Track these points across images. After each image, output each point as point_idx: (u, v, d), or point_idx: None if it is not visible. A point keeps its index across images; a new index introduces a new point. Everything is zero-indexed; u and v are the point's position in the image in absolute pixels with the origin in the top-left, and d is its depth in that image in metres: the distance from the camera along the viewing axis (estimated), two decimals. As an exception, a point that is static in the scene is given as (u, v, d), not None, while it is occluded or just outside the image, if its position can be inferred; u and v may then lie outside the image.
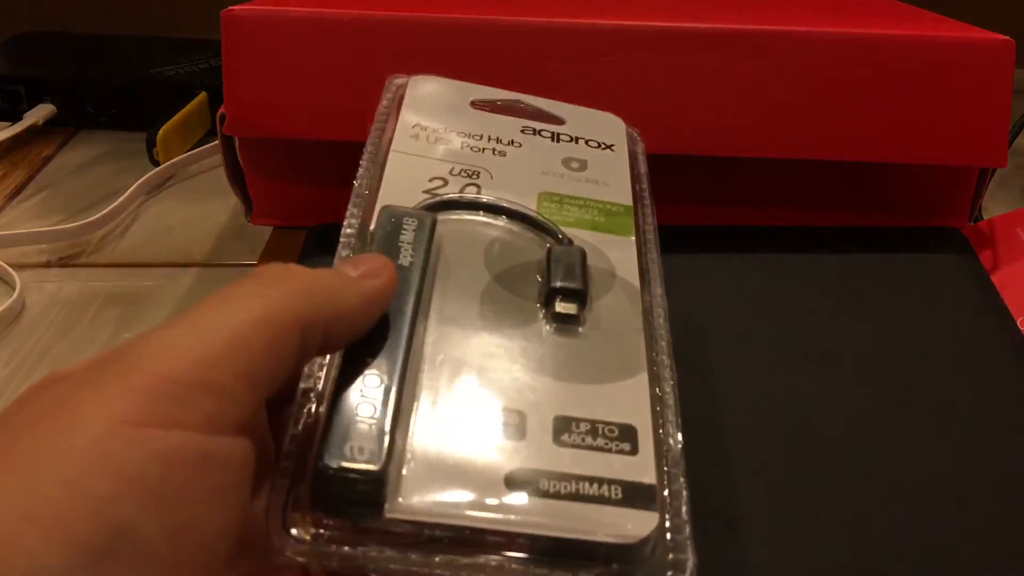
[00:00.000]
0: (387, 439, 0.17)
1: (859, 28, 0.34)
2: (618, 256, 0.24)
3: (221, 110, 0.35)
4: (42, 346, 0.35)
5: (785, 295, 0.32)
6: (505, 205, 0.24)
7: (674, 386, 0.21)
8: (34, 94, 0.53)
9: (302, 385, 0.19)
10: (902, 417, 0.27)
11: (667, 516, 0.18)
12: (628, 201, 0.25)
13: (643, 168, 0.28)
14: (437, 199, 0.23)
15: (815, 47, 0.34)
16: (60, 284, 0.39)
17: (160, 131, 0.48)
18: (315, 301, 0.17)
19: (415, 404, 0.18)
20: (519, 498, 0.17)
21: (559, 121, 0.28)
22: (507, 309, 0.21)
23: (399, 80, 0.28)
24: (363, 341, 0.18)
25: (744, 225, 0.37)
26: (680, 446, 0.20)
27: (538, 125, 0.28)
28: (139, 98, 0.53)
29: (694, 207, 0.38)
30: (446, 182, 0.24)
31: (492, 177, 0.25)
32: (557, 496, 0.17)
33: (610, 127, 0.29)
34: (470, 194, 0.24)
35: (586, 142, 0.27)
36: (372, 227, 0.22)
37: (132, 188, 0.45)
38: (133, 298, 0.38)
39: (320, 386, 0.19)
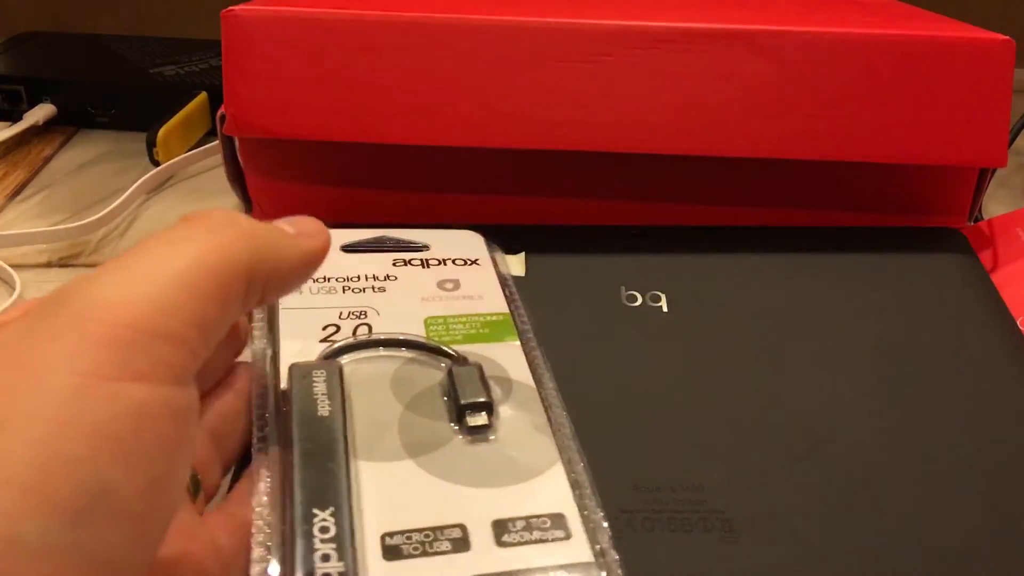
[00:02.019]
0: None
1: (859, 28, 0.34)
2: (508, 361, 0.26)
3: (221, 110, 0.35)
4: (42, 346, 0.35)
5: (785, 295, 0.32)
6: (399, 338, 0.26)
7: (585, 466, 0.23)
8: (34, 94, 0.54)
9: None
10: (902, 417, 0.27)
11: None
12: (504, 308, 0.28)
13: (505, 270, 0.31)
14: (336, 346, 0.25)
15: (815, 47, 0.34)
16: (60, 284, 0.39)
17: (160, 131, 0.48)
18: (260, 251, 0.17)
19: (363, 541, 0.20)
20: None
21: (424, 248, 0.31)
22: (424, 433, 0.23)
23: None
24: (305, 496, 0.20)
25: (744, 225, 0.37)
26: (604, 522, 0.21)
27: (407, 255, 0.30)
28: (139, 98, 0.53)
29: (694, 207, 0.38)
30: (339, 328, 0.26)
31: (379, 314, 0.27)
32: None
33: (471, 243, 0.32)
34: (363, 334, 0.26)
35: (453, 261, 0.30)
36: (285, 386, 0.23)
37: (132, 188, 0.45)
38: (133, 298, 0.38)
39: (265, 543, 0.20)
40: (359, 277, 0.29)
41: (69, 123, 0.54)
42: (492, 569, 0.19)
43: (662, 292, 0.32)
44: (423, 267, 0.30)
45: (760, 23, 0.34)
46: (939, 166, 0.36)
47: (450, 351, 0.26)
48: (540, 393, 0.25)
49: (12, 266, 0.39)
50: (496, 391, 0.25)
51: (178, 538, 0.19)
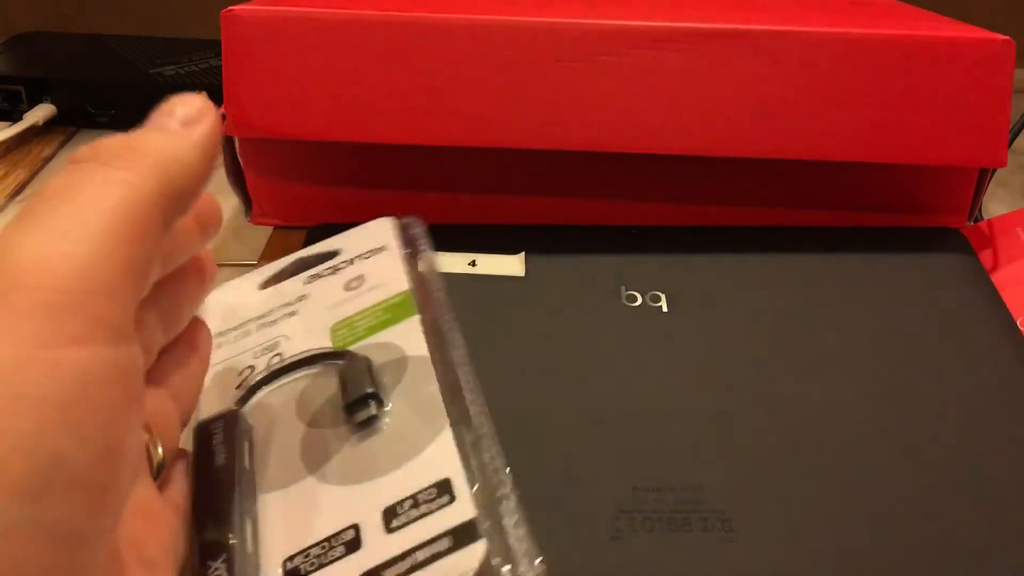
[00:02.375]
0: None
1: (859, 28, 0.34)
2: (406, 338, 0.25)
3: (221, 110, 0.35)
4: (42, 346, 0.35)
5: (785, 295, 0.32)
6: (293, 360, 0.25)
7: (488, 419, 0.22)
8: (34, 94, 0.53)
9: None
10: (902, 417, 0.27)
11: (501, 534, 0.20)
12: (404, 287, 0.27)
13: (420, 229, 0.29)
14: (243, 391, 0.25)
15: (815, 47, 0.34)
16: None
17: (160, 131, 0.48)
18: (167, 172, 0.16)
19: (267, 573, 0.20)
20: None
21: (335, 254, 0.29)
22: (323, 445, 0.23)
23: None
24: (199, 551, 0.20)
25: (744, 225, 0.37)
26: (505, 466, 0.21)
27: (319, 269, 0.29)
28: (139, 98, 0.53)
29: (694, 207, 0.38)
30: (253, 368, 0.25)
31: (290, 339, 0.26)
32: None
33: (379, 232, 0.30)
34: (275, 365, 0.25)
35: (361, 256, 0.29)
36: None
37: (132, 188, 0.45)
38: (133, 298, 0.38)
39: None
40: (272, 309, 0.28)
41: (69, 123, 0.54)
42: (380, 559, 0.19)
43: (662, 292, 0.32)
44: (332, 273, 0.28)
45: (760, 23, 0.34)
46: (939, 166, 0.36)
47: (340, 352, 0.25)
48: (439, 358, 0.24)
49: (12, 266, 0.39)
50: (391, 375, 0.24)
51: (138, 516, 0.19)
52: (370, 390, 0.23)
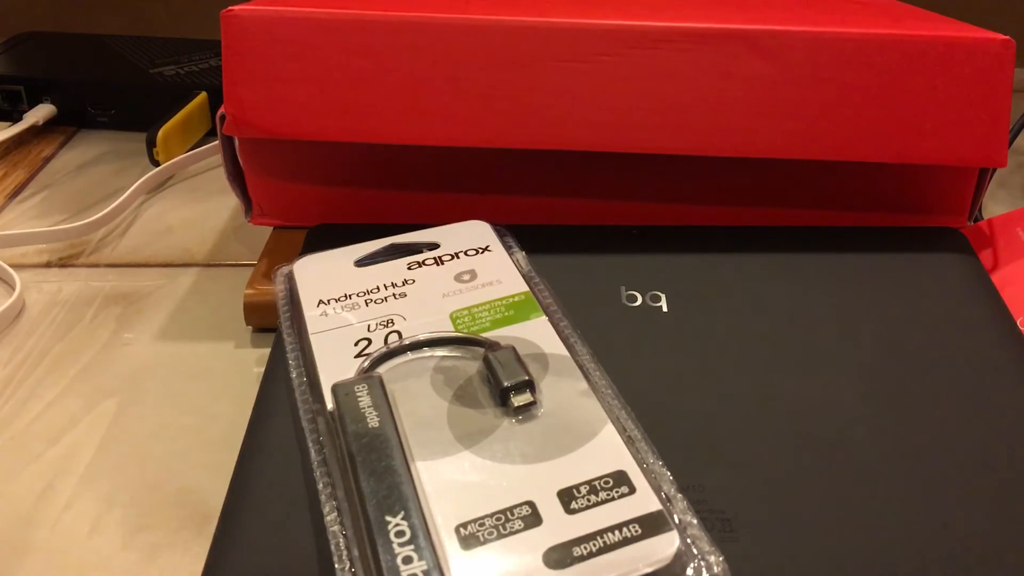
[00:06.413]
0: None
1: (859, 28, 0.34)
2: (539, 336, 0.27)
3: (221, 110, 0.35)
4: (42, 346, 0.35)
5: (785, 295, 0.32)
6: (430, 337, 0.26)
7: (635, 420, 0.24)
8: (34, 94, 0.54)
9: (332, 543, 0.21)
10: (901, 417, 0.27)
11: (684, 529, 0.21)
12: (524, 288, 0.29)
13: (519, 251, 0.32)
14: (372, 358, 0.26)
15: (815, 47, 0.34)
16: (60, 284, 0.39)
17: (160, 131, 0.48)
18: None
19: (439, 537, 0.20)
20: (564, 572, 0.20)
21: (435, 246, 0.31)
22: (474, 423, 0.24)
23: (285, 269, 0.31)
24: (375, 506, 0.21)
25: (744, 225, 0.37)
26: (664, 469, 0.23)
27: (420, 257, 0.31)
28: (139, 98, 0.54)
29: (694, 207, 0.38)
30: (370, 340, 0.27)
31: (405, 318, 0.28)
32: (591, 555, 0.20)
33: (478, 232, 0.32)
34: (394, 341, 0.26)
35: (465, 253, 0.31)
36: (331, 407, 0.24)
37: (132, 188, 0.45)
38: (133, 298, 0.38)
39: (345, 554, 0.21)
40: (378, 288, 0.29)
41: (69, 123, 0.54)
42: (567, 537, 0.20)
43: (662, 292, 0.32)
44: (438, 264, 0.30)
45: (760, 23, 0.34)
46: (939, 166, 0.36)
47: (481, 339, 0.26)
48: (576, 360, 0.26)
49: (12, 266, 0.39)
50: (533, 368, 0.25)
51: None
52: (527, 378, 0.24)
